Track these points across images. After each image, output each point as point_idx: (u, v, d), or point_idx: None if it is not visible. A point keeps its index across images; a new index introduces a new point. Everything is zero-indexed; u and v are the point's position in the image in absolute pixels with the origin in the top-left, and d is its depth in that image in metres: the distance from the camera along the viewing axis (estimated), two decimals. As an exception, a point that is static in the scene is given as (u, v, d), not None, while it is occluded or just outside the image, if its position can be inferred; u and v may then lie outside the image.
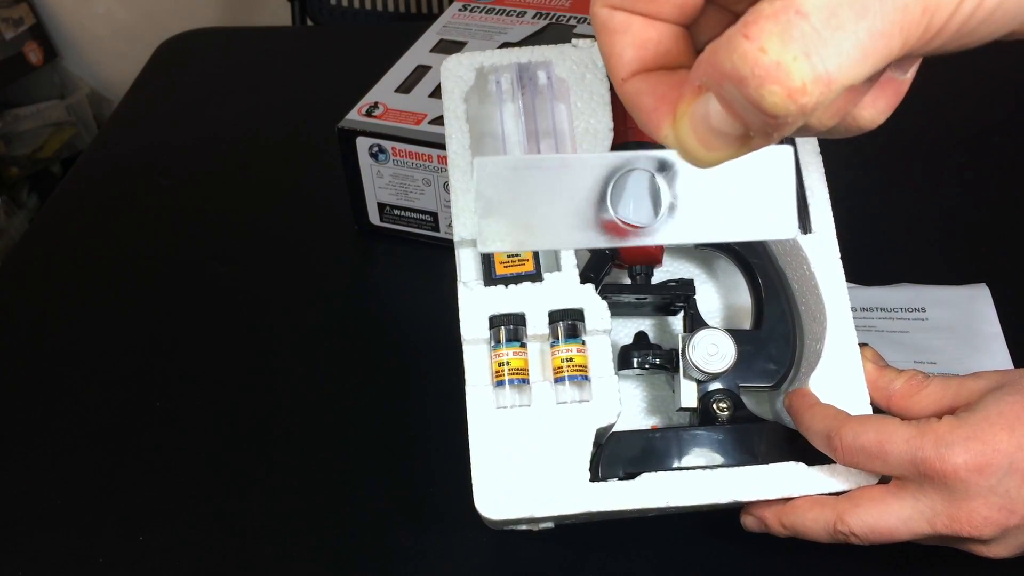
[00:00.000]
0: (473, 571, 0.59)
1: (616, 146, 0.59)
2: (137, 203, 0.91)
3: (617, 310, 0.57)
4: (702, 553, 0.58)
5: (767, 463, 0.53)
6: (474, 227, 0.57)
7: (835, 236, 0.56)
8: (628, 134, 0.59)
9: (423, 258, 0.80)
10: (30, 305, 0.81)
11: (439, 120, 0.76)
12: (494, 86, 0.59)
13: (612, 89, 0.60)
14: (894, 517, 0.48)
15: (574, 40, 0.60)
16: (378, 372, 0.72)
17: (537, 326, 0.55)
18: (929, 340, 0.68)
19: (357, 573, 0.59)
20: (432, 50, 0.86)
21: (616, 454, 0.54)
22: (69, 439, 0.68)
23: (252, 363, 0.73)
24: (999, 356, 0.66)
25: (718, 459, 0.54)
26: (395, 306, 0.79)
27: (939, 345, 0.67)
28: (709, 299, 0.63)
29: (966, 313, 0.69)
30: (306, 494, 0.63)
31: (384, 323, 0.77)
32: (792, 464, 0.52)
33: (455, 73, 0.60)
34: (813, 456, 0.52)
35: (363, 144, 0.77)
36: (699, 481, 0.52)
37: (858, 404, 0.53)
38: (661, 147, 0.56)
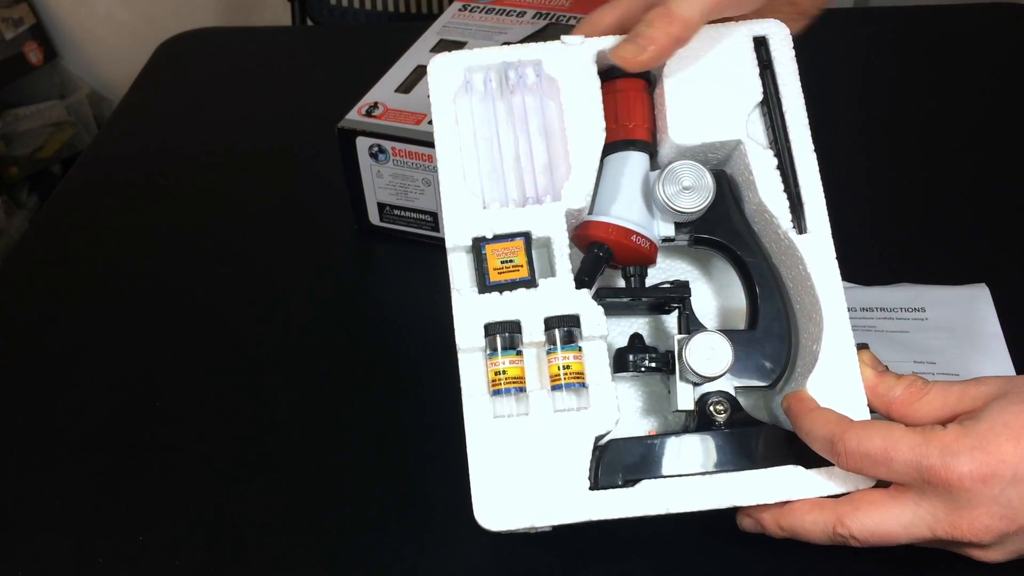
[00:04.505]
0: (471, 574, 0.59)
1: (608, 145, 0.58)
2: (137, 203, 0.91)
3: (611, 310, 0.57)
4: (701, 555, 0.58)
5: (765, 467, 0.53)
6: (466, 232, 0.56)
7: (831, 236, 0.56)
8: (620, 132, 0.58)
9: (423, 258, 0.80)
10: (30, 305, 0.81)
11: (439, 120, 0.76)
12: (483, 85, 0.58)
13: (602, 88, 0.58)
14: (894, 521, 0.48)
15: (563, 37, 0.58)
16: (377, 372, 0.72)
17: (533, 333, 0.54)
18: (929, 340, 0.68)
19: (356, 573, 0.59)
20: (432, 50, 0.86)
21: (614, 461, 0.54)
22: (69, 439, 0.68)
23: (252, 363, 0.73)
24: (999, 356, 0.66)
25: (716, 464, 0.54)
26: (395, 306, 0.79)
27: (939, 345, 0.67)
28: (704, 299, 0.63)
29: (966, 313, 0.69)
30: (305, 494, 0.63)
31: (384, 323, 0.77)
32: (790, 468, 0.52)
33: (443, 72, 0.59)
34: (810, 459, 0.52)
35: (363, 144, 0.77)
36: (698, 487, 0.52)
37: (855, 407, 0.53)
38: (653, 145, 0.57)
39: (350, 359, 0.73)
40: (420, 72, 0.83)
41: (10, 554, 0.61)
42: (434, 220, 0.79)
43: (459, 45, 0.86)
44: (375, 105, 0.79)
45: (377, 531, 0.61)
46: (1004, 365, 0.65)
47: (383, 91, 0.81)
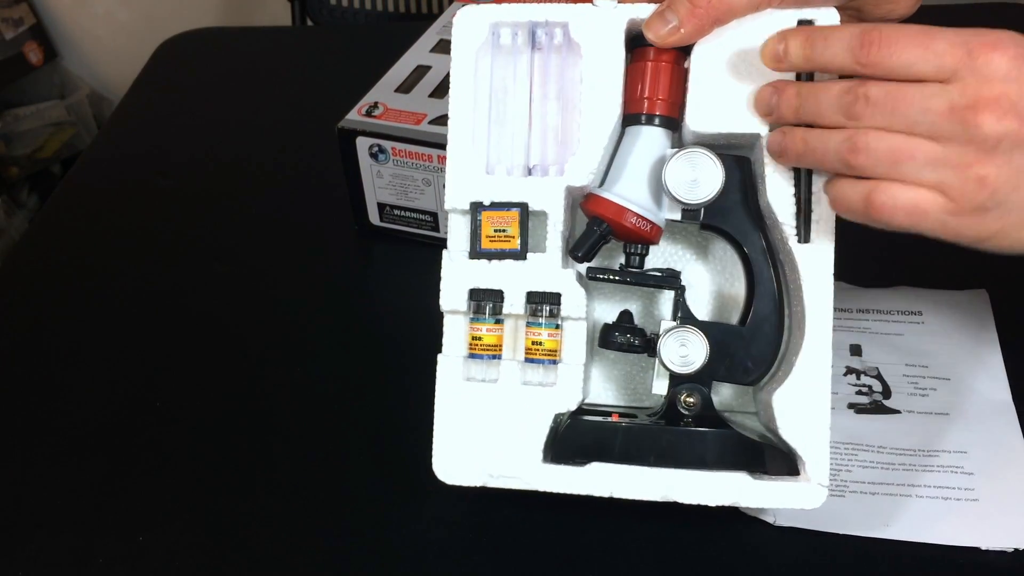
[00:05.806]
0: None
1: (630, 115, 0.55)
2: (137, 203, 0.91)
3: (609, 282, 0.57)
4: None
5: (714, 470, 0.53)
6: (466, 195, 0.56)
7: (832, 251, 0.54)
8: (643, 104, 0.55)
9: (423, 258, 0.79)
10: (30, 305, 0.81)
11: (439, 120, 0.77)
12: (509, 40, 0.57)
13: (632, 54, 0.56)
14: (915, 90, 0.46)
15: (595, 0, 0.56)
16: (377, 371, 0.72)
17: (515, 304, 0.55)
18: (923, 344, 0.67)
19: (357, 574, 0.59)
20: (432, 50, 0.86)
21: (570, 439, 0.56)
22: (69, 439, 0.68)
23: (251, 363, 0.73)
24: (992, 362, 0.65)
25: (668, 459, 0.54)
26: (395, 306, 0.79)
27: (932, 349, 0.67)
28: (705, 280, 0.61)
29: (963, 318, 0.69)
30: (305, 495, 0.63)
31: (384, 323, 0.77)
32: (737, 475, 0.53)
33: (468, 25, 0.57)
34: (759, 469, 0.54)
35: (363, 144, 0.77)
36: (645, 478, 0.54)
37: (818, 429, 0.53)
38: (678, 121, 0.55)
39: (349, 359, 0.73)
40: (420, 72, 0.83)
41: (10, 554, 0.61)
42: (434, 220, 0.79)
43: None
44: (375, 105, 0.79)
45: (378, 534, 0.61)
46: (998, 372, 0.65)
47: (383, 91, 0.81)
